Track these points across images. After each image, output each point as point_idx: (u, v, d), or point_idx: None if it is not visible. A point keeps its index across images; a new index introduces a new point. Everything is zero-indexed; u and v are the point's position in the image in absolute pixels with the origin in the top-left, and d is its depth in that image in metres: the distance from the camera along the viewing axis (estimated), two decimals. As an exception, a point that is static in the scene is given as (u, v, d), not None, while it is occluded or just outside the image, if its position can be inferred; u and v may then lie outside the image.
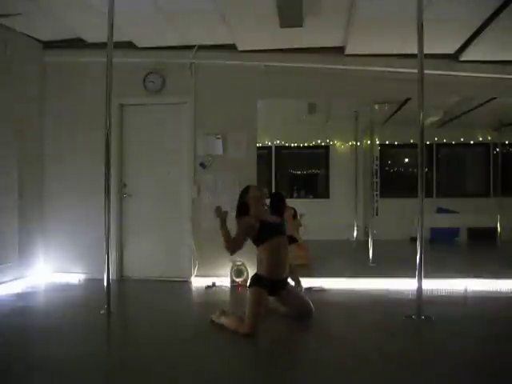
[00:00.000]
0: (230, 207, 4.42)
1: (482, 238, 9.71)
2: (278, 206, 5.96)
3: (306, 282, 5.66)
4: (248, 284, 4.19)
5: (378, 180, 7.89)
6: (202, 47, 6.01)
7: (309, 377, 3.05)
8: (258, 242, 4.17)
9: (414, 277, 4.34)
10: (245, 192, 4.35)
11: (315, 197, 11.05)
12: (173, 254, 6.22)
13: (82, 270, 6.16)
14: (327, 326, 4.28)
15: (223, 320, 4.05)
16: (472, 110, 8.24)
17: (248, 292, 4.07)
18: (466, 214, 9.80)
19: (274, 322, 4.19)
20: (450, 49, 5.79)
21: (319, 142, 11.03)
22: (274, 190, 11.03)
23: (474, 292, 5.48)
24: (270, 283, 4.06)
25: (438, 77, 5.72)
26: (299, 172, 11.55)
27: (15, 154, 5.79)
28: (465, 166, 11.28)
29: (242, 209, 4.28)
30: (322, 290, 5.52)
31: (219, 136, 6.07)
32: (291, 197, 10.97)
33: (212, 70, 6.14)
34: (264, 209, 4.40)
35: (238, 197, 4.36)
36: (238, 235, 4.15)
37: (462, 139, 10.65)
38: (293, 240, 6.44)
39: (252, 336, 3.78)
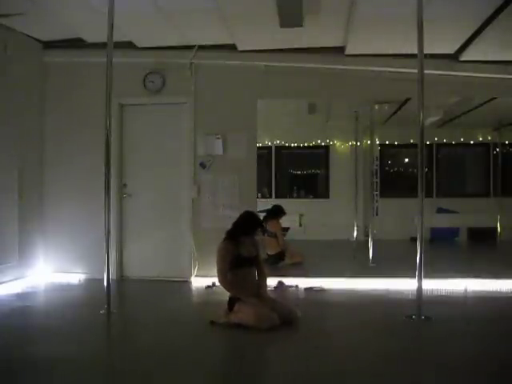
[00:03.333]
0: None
1: (482, 237, 9.72)
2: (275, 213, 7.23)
3: (307, 282, 5.68)
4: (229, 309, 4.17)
5: (378, 180, 7.89)
6: (201, 47, 6.01)
7: (308, 377, 3.05)
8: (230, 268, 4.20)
9: (413, 277, 4.34)
10: (248, 222, 4.34)
11: (315, 197, 11.05)
12: (173, 254, 6.22)
13: (82, 270, 6.16)
14: (327, 325, 4.28)
15: (236, 318, 4.02)
16: (472, 110, 8.24)
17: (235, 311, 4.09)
18: (466, 214, 9.80)
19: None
20: (450, 49, 5.79)
21: (319, 142, 11.03)
22: (274, 191, 11.07)
23: (474, 292, 5.48)
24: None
25: (437, 77, 5.72)
26: (299, 172, 11.55)
27: (15, 154, 5.79)
28: (465, 166, 11.28)
29: (234, 235, 4.28)
30: (322, 290, 5.52)
31: (219, 136, 6.07)
32: (291, 197, 10.99)
33: (212, 69, 6.14)
34: (251, 243, 4.35)
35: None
36: (223, 264, 4.18)
37: (462, 139, 10.65)
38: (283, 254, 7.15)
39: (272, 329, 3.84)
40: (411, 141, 8.48)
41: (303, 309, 4.30)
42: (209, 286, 5.79)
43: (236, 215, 5.95)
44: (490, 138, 10.56)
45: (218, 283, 5.74)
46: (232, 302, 4.13)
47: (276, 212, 7.42)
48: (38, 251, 6.19)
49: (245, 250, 4.24)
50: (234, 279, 4.17)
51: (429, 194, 10.04)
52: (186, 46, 6.00)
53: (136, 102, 6.28)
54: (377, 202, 7.58)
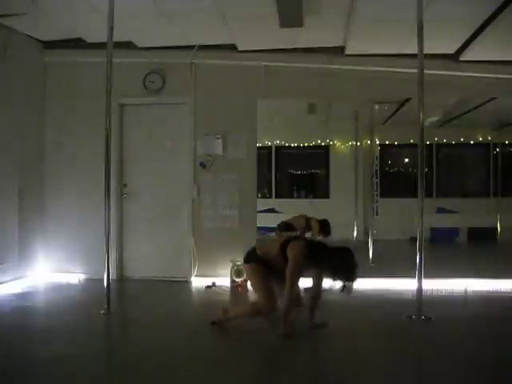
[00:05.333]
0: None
1: (482, 237, 9.71)
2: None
3: (306, 282, 5.67)
4: (244, 260, 4.11)
5: (378, 180, 7.89)
6: (202, 47, 6.01)
7: (308, 376, 3.05)
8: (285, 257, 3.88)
9: (414, 277, 4.34)
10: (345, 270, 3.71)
11: (315, 197, 11.05)
12: (173, 254, 6.22)
13: (82, 270, 6.16)
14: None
15: (234, 312, 4.03)
16: (472, 110, 8.24)
17: (245, 270, 4.03)
18: (466, 214, 9.80)
19: (273, 322, 4.18)
20: (450, 49, 5.79)
21: (319, 142, 11.03)
22: (274, 191, 11.05)
23: (473, 292, 5.48)
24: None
25: (437, 77, 5.72)
26: (299, 172, 11.55)
27: (15, 154, 5.79)
28: (465, 166, 11.28)
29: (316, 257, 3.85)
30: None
31: (219, 136, 6.08)
32: (291, 197, 10.99)
33: (212, 69, 6.14)
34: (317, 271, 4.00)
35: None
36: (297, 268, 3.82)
37: (462, 139, 10.65)
38: None
39: (274, 310, 3.81)
40: (411, 141, 8.49)
41: (303, 308, 4.28)
42: (209, 286, 5.79)
43: (235, 215, 6.07)
44: (490, 138, 10.56)
45: (218, 283, 5.82)
46: (250, 257, 4.04)
47: (323, 229, 6.39)
48: (38, 251, 6.19)
49: (308, 272, 3.97)
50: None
51: (429, 194, 10.04)
52: (186, 46, 6.00)
53: (136, 102, 6.28)
54: (377, 202, 7.58)
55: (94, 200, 5.89)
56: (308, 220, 6.20)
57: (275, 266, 3.93)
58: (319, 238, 6.01)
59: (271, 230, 7.91)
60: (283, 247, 3.89)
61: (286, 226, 6.17)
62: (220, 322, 4.08)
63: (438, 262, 5.93)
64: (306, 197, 11.04)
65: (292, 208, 9.13)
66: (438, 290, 5.43)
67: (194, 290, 5.82)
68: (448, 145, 10.79)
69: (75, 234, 6.21)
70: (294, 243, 3.89)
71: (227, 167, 6.11)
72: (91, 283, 5.91)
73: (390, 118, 8.99)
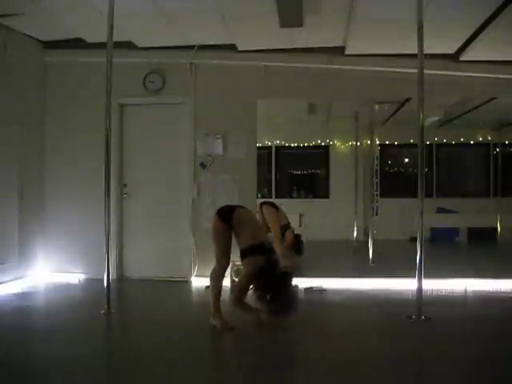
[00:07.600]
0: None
1: (482, 237, 9.72)
2: None
3: (306, 282, 5.67)
4: (219, 213, 4.16)
5: (378, 180, 7.89)
6: (202, 47, 6.02)
7: (308, 376, 3.05)
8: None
9: (414, 277, 4.34)
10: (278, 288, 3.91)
11: (315, 197, 11.05)
12: (173, 254, 6.22)
13: (81, 270, 6.16)
14: (326, 325, 4.28)
15: (211, 294, 4.15)
16: (472, 110, 8.24)
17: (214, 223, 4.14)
18: (466, 214, 9.81)
19: (273, 321, 4.18)
20: (450, 49, 5.79)
21: (319, 142, 11.04)
22: (274, 191, 11.05)
23: (473, 292, 5.48)
24: None
25: (437, 77, 5.72)
26: (299, 172, 11.55)
27: (16, 154, 5.79)
28: (465, 166, 11.29)
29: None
30: (322, 290, 5.52)
31: (219, 136, 6.08)
32: (291, 197, 11.00)
33: (212, 69, 6.14)
34: None
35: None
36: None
37: (462, 139, 10.65)
38: None
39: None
40: (411, 141, 8.51)
41: (303, 309, 4.29)
42: (209, 286, 5.76)
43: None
44: (490, 138, 10.57)
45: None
46: (225, 217, 4.11)
47: (295, 245, 5.99)
48: (38, 251, 6.19)
49: None
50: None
51: (429, 194, 10.04)
52: (186, 45, 6.00)
53: (136, 102, 6.28)
54: (377, 202, 7.58)
55: (93, 200, 5.89)
56: (287, 226, 5.90)
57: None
58: (286, 253, 5.45)
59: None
60: (246, 251, 3.99)
61: (273, 206, 5.93)
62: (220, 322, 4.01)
63: (438, 262, 5.94)
64: (305, 197, 11.05)
65: (292, 208, 9.14)
66: (438, 289, 5.43)
67: (193, 289, 5.82)
68: (448, 145, 10.79)
69: (75, 234, 6.21)
70: (253, 260, 3.94)
71: (227, 167, 6.12)
72: (91, 283, 5.91)
73: (390, 118, 9.00)
